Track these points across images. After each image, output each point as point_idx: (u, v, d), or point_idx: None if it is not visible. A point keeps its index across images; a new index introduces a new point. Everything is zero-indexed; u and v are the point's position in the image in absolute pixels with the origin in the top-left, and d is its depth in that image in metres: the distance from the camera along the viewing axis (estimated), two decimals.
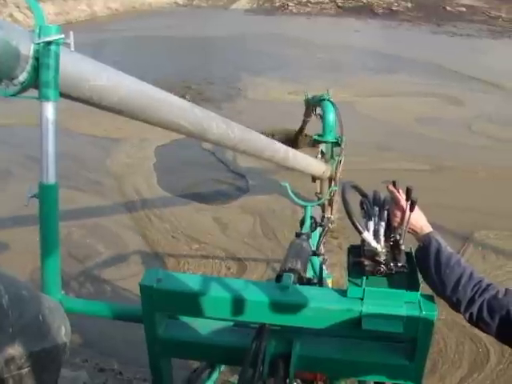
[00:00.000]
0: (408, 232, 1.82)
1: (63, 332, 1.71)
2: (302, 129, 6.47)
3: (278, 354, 1.85)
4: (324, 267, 3.27)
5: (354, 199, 1.87)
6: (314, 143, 4.60)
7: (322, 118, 4.65)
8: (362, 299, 1.71)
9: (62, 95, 1.85)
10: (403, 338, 1.83)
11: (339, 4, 27.08)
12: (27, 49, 1.73)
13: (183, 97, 3.01)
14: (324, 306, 1.73)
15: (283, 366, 1.82)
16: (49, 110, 1.81)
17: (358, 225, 1.71)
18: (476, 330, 1.73)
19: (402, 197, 1.83)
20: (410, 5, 26.58)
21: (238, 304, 1.77)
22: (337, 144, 4.53)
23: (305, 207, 3.40)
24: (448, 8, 26.25)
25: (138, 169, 8.10)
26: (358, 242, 1.83)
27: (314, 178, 4.50)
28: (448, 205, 6.45)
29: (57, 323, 1.69)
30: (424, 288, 1.73)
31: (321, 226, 3.37)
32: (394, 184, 1.88)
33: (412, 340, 1.78)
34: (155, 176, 7.81)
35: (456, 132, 9.59)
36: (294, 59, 15.44)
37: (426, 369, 4.06)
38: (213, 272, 5.38)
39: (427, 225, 1.86)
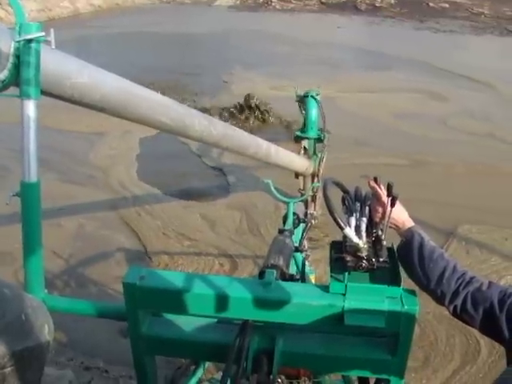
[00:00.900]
0: (390, 227, 1.83)
1: (46, 330, 1.70)
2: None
3: (262, 349, 1.85)
4: (307, 263, 3.28)
5: (336, 195, 1.89)
6: (297, 139, 4.60)
7: (305, 114, 4.65)
8: (344, 295, 1.72)
9: (44, 93, 1.84)
10: (385, 333, 1.83)
11: (322, 0, 27.12)
12: (8, 47, 1.72)
13: (163, 93, 2.99)
14: (306, 301, 1.74)
15: (267, 362, 1.83)
16: (30, 108, 1.81)
17: (339, 221, 1.71)
18: None
19: (383, 192, 1.84)
20: (393, 1, 26.68)
21: (221, 301, 1.77)
22: (319, 140, 4.53)
23: (287, 204, 3.39)
24: (431, 4, 26.38)
25: (121, 162, 8.15)
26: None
27: (297, 175, 4.50)
28: (430, 200, 6.50)
29: (40, 322, 1.69)
30: (406, 283, 1.75)
31: (304, 222, 3.37)
32: (375, 180, 1.89)
33: (394, 335, 1.79)
34: (137, 168, 7.88)
35: (437, 127, 9.65)
36: (276, 55, 15.47)
37: (419, 362, 4.14)
38: (204, 269, 5.38)
39: (409, 219, 1.87)
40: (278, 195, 3.42)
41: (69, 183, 7.31)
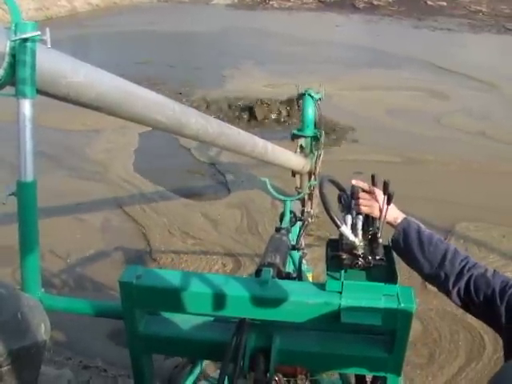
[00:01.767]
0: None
1: (43, 330, 1.70)
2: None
3: (259, 348, 1.85)
4: (304, 261, 3.28)
5: (333, 193, 1.89)
6: (293, 137, 4.61)
7: (302, 112, 4.66)
8: (340, 293, 1.72)
9: (39, 92, 1.84)
10: (382, 331, 1.84)
11: None
12: (3, 46, 1.72)
13: (159, 88, 2.99)
14: (303, 299, 1.74)
15: (264, 360, 1.83)
16: (26, 107, 1.80)
17: (335, 219, 1.71)
18: (469, 319, 1.77)
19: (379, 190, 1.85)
20: None
21: (218, 299, 1.77)
22: (316, 138, 4.54)
23: (284, 202, 3.40)
24: (429, 2, 26.39)
25: (120, 159, 8.19)
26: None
27: (293, 173, 4.50)
28: (427, 197, 6.51)
29: (36, 321, 1.69)
30: (403, 281, 1.75)
31: (300, 220, 3.37)
32: (373, 178, 1.90)
33: (391, 332, 1.79)
34: (136, 165, 7.93)
35: (434, 126, 9.67)
36: (274, 54, 15.47)
37: (424, 358, 4.15)
38: (205, 266, 5.40)
39: (400, 213, 1.90)
40: (275, 193, 3.42)
41: (76, 179, 7.38)
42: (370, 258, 1.72)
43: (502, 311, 1.61)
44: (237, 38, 17.89)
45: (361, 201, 1.87)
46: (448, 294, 1.77)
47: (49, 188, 6.34)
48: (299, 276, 2.47)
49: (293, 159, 4.14)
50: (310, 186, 4.36)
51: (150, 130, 7.51)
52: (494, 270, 1.71)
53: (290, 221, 3.24)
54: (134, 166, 7.92)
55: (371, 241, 1.79)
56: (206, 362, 2.73)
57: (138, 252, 5.69)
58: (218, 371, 1.84)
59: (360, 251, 1.73)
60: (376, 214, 1.85)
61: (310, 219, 3.73)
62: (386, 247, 1.81)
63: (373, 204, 1.86)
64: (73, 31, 17.08)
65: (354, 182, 1.91)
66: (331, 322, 1.72)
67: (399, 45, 16.81)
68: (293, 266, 2.91)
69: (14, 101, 1.80)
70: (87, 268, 5.41)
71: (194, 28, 19.30)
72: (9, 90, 1.83)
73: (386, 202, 1.78)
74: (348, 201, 1.87)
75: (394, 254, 1.83)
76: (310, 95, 4.67)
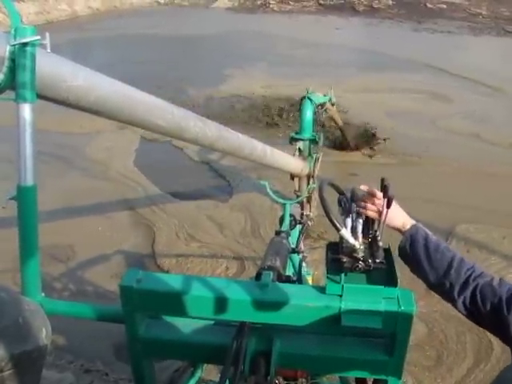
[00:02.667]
0: (393, 228, 1.84)
1: (44, 334, 1.70)
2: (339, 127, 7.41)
3: (259, 351, 1.85)
4: (304, 264, 3.28)
5: (332, 196, 1.89)
6: (292, 141, 4.61)
7: (300, 115, 4.68)
8: (340, 296, 1.72)
9: (39, 96, 1.84)
10: (382, 334, 1.84)
11: (320, 2, 27.13)
12: (3, 50, 1.72)
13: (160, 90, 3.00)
14: (303, 303, 1.74)
15: (264, 364, 1.83)
16: (26, 111, 1.81)
17: (335, 222, 1.72)
18: None
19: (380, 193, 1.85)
20: (390, 2, 26.68)
21: (218, 302, 1.77)
22: (314, 141, 4.55)
23: (284, 205, 3.39)
24: (429, 5, 26.39)
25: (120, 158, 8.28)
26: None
27: (292, 176, 4.51)
28: (427, 199, 6.51)
29: (37, 325, 1.69)
30: (403, 284, 1.75)
31: (300, 223, 3.37)
32: (382, 181, 1.88)
33: (391, 335, 1.79)
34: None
35: (434, 128, 9.65)
36: (275, 56, 15.47)
37: (432, 361, 4.14)
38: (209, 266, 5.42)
39: (409, 219, 1.89)
40: (275, 197, 3.42)
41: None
42: (370, 261, 1.72)
43: (509, 321, 1.58)
44: (237, 42, 17.88)
45: (369, 205, 1.87)
46: (453, 303, 1.75)
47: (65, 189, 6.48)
48: (299, 279, 2.48)
49: (291, 162, 4.14)
50: (309, 189, 4.36)
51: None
52: (501, 279, 1.70)
53: (290, 224, 3.23)
54: (137, 166, 7.96)
55: (371, 244, 1.79)
56: (206, 366, 2.73)
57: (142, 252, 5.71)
58: (219, 375, 1.84)
59: (360, 254, 1.73)
60: (382, 220, 1.83)
61: (309, 222, 3.73)
62: (386, 250, 1.82)
63: (381, 210, 1.84)
64: (73, 35, 17.09)
65: (362, 186, 1.89)
66: (331, 325, 1.72)
67: (399, 47, 16.80)
68: (293, 270, 2.91)
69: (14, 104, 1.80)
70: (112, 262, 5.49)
71: (194, 31, 19.31)
72: (9, 94, 1.83)
73: (385, 205, 1.78)
74: (348, 204, 1.87)
75: (395, 257, 1.83)
76: (309, 98, 4.68)
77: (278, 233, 2.64)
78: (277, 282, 1.94)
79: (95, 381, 4.02)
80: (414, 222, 1.88)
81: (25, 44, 1.73)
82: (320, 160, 4.50)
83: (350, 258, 1.73)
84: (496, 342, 4.35)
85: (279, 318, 1.76)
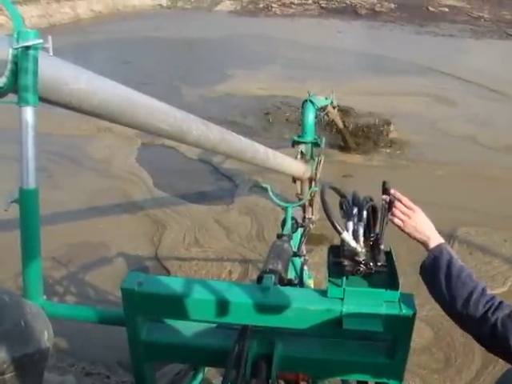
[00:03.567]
0: (417, 241, 1.83)
1: (46, 337, 1.71)
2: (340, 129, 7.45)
3: (261, 354, 1.86)
4: (305, 268, 3.28)
5: (334, 199, 1.89)
6: (294, 144, 4.61)
7: (302, 118, 4.68)
8: (342, 299, 1.72)
9: (41, 99, 1.84)
10: (384, 337, 1.84)
11: (322, 5, 27.14)
12: (5, 54, 1.73)
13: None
14: (305, 306, 1.74)
15: (265, 367, 1.83)
16: (28, 114, 1.81)
17: (337, 225, 1.72)
18: None
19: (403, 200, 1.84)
20: (393, 6, 26.69)
21: (220, 306, 1.77)
22: (316, 144, 4.55)
23: (286, 208, 3.38)
24: (431, 8, 26.39)
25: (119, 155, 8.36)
26: None
27: (294, 179, 4.50)
28: (427, 202, 6.49)
29: (39, 328, 1.69)
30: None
31: (302, 226, 3.36)
32: (384, 184, 1.87)
33: (392, 338, 1.80)
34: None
35: (433, 131, 9.64)
36: (277, 59, 15.48)
37: (441, 363, 4.10)
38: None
39: (436, 234, 1.84)
40: (277, 200, 3.41)
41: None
42: (371, 264, 1.73)
43: None
44: (239, 45, 17.90)
45: (397, 213, 1.84)
46: (471, 334, 1.72)
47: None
48: (301, 282, 2.48)
49: (293, 165, 4.14)
50: (311, 192, 4.35)
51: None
52: None
53: (292, 227, 3.22)
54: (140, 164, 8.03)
55: (373, 247, 1.79)
56: (208, 369, 2.73)
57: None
58: (221, 378, 1.84)
59: (361, 258, 1.73)
60: (407, 230, 1.83)
61: (311, 225, 3.72)
62: (387, 253, 1.82)
63: (407, 220, 1.83)
64: (76, 38, 17.11)
65: (392, 191, 1.84)
66: (333, 328, 1.73)
67: (401, 51, 16.78)
68: (294, 273, 2.91)
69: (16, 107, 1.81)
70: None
71: (197, 34, 19.34)
72: (11, 97, 1.84)
73: (387, 207, 1.79)
74: (349, 207, 1.87)
75: (396, 260, 1.83)
76: (311, 101, 4.69)
77: (279, 236, 2.64)
78: (278, 286, 1.95)
79: (96, 383, 4.02)
80: (440, 240, 1.83)
81: (27, 47, 1.73)
82: (322, 163, 4.49)
83: (351, 262, 1.74)
84: None
85: (281, 321, 1.76)
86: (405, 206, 1.85)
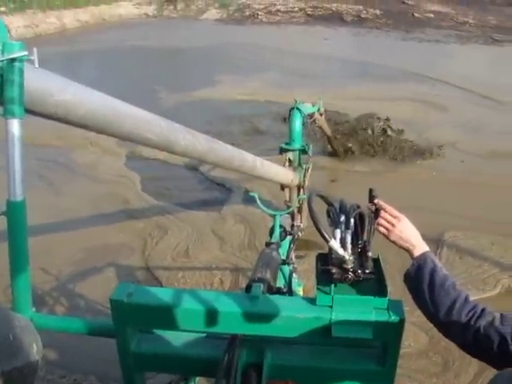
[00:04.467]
0: (402, 249, 1.84)
1: (35, 350, 1.70)
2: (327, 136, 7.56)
3: (250, 363, 1.86)
4: (295, 275, 3.27)
5: (322, 208, 1.90)
6: (281, 151, 4.61)
7: (289, 125, 4.68)
8: (331, 307, 1.73)
9: (27, 111, 1.84)
10: (373, 344, 1.85)
11: (309, 12, 27.30)
12: None
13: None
14: (294, 314, 1.74)
15: (255, 376, 1.83)
16: (14, 126, 1.80)
17: (324, 233, 1.72)
18: None
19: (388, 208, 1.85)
20: (378, 12, 26.90)
21: (209, 315, 1.77)
22: (304, 152, 4.55)
23: (274, 216, 3.37)
24: (416, 14, 26.63)
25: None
26: None
27: (282, 187, 4.50)
28: (413, 206, 6.54)
29: (28, 341, 1.68)
30: (392, 293, 1.75)
31: (290, 234, 3.35)
32: (370, 191, 1.88)
33: (382, 345, 1.80)
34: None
35: (422, 136, 9.68)
36: (264, 66, 15.55)
37: (439, 366, 4.08)
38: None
39: (421, 242, 1.84)
40: (264, 208, 3.40)
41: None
42: (359, 271, 1.73)
43: None
44: (226, 52, 17.97)
45: (382, 221, 1.85)
46: (455, 342, 1.72)
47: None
48: (290, 290, 2.48)
49: (281, 173, 4.13)
50: (299, 200, 4.34)
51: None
52: (501, 315, 1.63)
53: (280, 235, 3.21)
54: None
55: (360, 254, 1.80)
56: (198, 379, 2.72)
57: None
58: None
59: (349, 265, 1.73)
60: (392, 238, 1.83)
61: (299, 233, 3.71)
62: (375, 260, 1.83)
63: (392, 228, 1.84)
64: (62, 48, 17.12)
65: (376, 200, 1.86)
66: (322, 336, 1.73)
67: (388, 57, 16.90)
68: (283, 281, 2.90)
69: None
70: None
71: (184, 43, 19.39)
72: None
73: (374, 215, 1.80)
74: (337, 215, 1.87)
75: (384, 267, 1.83)
76: (298, 109, 4.70)
77: (268, 244, 2.64)
78: (267, 294, 1.95)
79: None
80: (426, 248, 1.83)
81: (13, 59, 1.72)
82: (310, 170, 4.50)
83: (339, 269, 1.74)
84: None
85: (270, 329, 1.77)
86: (389, 214, 1.86)
